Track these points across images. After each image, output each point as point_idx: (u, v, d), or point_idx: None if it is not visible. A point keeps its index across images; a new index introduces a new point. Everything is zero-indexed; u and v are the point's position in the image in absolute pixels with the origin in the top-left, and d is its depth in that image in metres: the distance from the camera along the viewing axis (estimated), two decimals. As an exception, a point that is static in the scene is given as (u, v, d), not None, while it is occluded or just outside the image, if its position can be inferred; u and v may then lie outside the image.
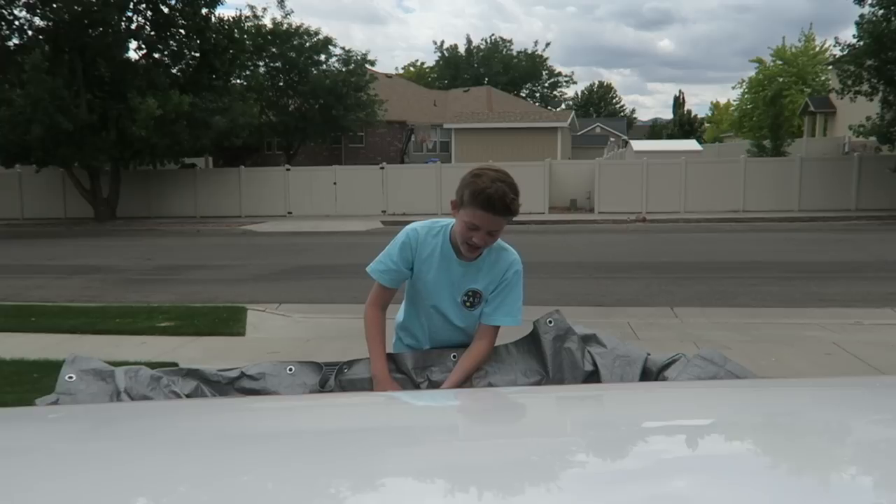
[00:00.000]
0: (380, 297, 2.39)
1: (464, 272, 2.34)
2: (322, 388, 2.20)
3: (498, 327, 2.36)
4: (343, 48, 34.30)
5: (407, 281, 2.43)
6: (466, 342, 2.41)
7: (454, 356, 2.33)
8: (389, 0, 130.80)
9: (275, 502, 0.88)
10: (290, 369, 2.20)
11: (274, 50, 32.19)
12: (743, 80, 41.07)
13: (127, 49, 23.10)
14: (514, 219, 2.25)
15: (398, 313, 2.56)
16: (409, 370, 2.29)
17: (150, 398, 1.96)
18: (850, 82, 21.62)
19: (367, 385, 2.23)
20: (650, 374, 2.18)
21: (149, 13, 23.21)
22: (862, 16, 20.55)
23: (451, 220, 2.34)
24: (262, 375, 2.17)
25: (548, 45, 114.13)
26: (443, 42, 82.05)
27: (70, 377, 1.94)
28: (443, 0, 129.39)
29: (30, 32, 22.34)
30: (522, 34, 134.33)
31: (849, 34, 74.37)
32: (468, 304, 2.38)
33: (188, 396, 2.07)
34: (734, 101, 46.54)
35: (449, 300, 2.38)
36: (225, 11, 50.06)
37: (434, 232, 2.34)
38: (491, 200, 2.13)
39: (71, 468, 1.00)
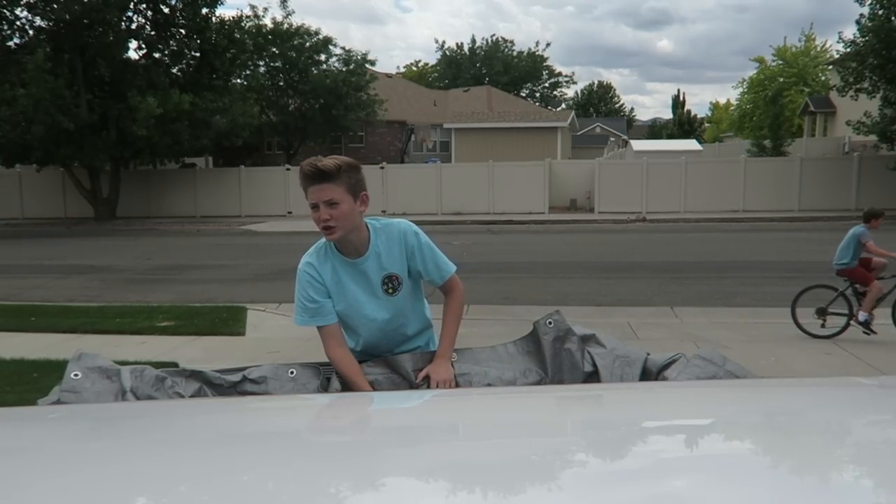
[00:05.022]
0: (332, 337, 2.33)
1: (367, 267, 2.34)
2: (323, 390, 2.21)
3: (454, 277, 2.40)
4: (343, 48, 34.39)
5: None
6: (402, 341, 2.46)
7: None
8: (387, 0, 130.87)
9: (275, 502, 0.88)
10: (292, 372, 2.20)
11: (274, 50, 32.20)
12: (743, 80, 41.12)
13: (127, 49, 23.12)
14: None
15: None
16: (407, 372, 2.29)
17: (155, 398, 1.95)
18: (851, 79, 21.60)
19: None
20: (650, 374, 2.18)
21: (149, 13, 23.22)
22: (862, 15, 20.54)
23: (321, 239, 2.37)
24: (264, 379, 2.17)
25: (548, 45, 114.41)
26: (444, 42, 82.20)
27: (76, 375, 1.92)
28: (441, 0, 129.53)
29: (30, 32, 22.35)
30: (521, 34, 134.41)
31: (848, 33, 74.41)
32: (389, 290, 2.38)
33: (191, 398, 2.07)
34: (734, 100, 46.60)
35: (374, 304, 2.38)
36: (225, 11, 50.17)
37: (321, 253, 2.37)
38: (302, 171, 2.22)
39: (72, 468, 1.00)
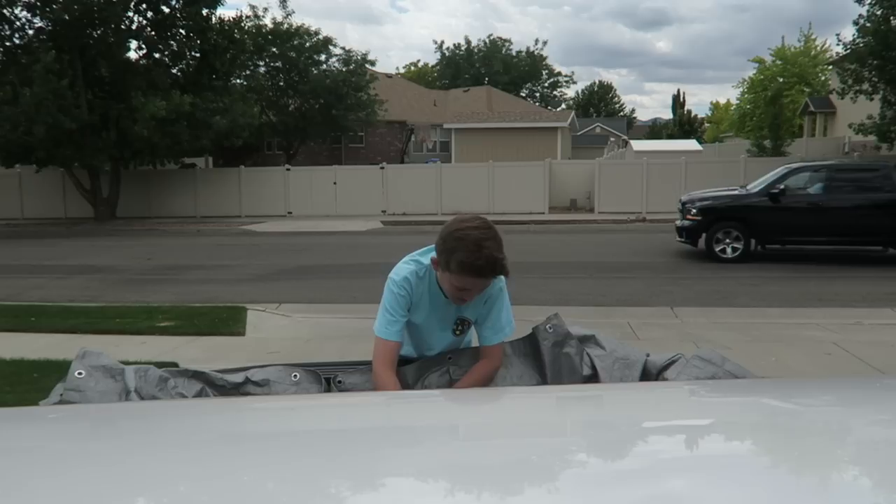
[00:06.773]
0: (391, 355, 2.25)
1: (450, 309, 2.36)
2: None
3: (500, 346, 2.34)
4: (343, 48, 34.40)
5: None
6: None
7: (450, 358, 2.33)
8: (383, 0, 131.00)
9: (276, 502, 0.88)
10: (295, 376, 2.20)
11: (274, 50, 32.20)
12: (743, 80, 41.09)
13: (127, 49, 23.09)
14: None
15: None
16: (410, 385, 2.29)
17: (159, 398, 1.95)
18: (850, 81, 21.60)
19: None
20: (649, 375, 2.18)
21: (149, 13, 23.21)
22: (861, 15, 20.52)
23: (429, 256, 2.29)
24: (267, 382, 2.17)
25: (545, 43, 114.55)
26: (443, 42, 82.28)
27: (80, 373, 1.91)
28: (437, 0, 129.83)
29: (30, 32, 22.35)
30: (518, 34, 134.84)
31: (846, 33, 74.50)
32: (458, 332, 2.42)
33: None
34: (734, 100, 46.59)
35: (439, 336, 2.42)
36: (225, 12, 50.20)
37: (421, 275, 2.32)
38: (483, 271, 2.13)
39: (73, 468, 1.00)
